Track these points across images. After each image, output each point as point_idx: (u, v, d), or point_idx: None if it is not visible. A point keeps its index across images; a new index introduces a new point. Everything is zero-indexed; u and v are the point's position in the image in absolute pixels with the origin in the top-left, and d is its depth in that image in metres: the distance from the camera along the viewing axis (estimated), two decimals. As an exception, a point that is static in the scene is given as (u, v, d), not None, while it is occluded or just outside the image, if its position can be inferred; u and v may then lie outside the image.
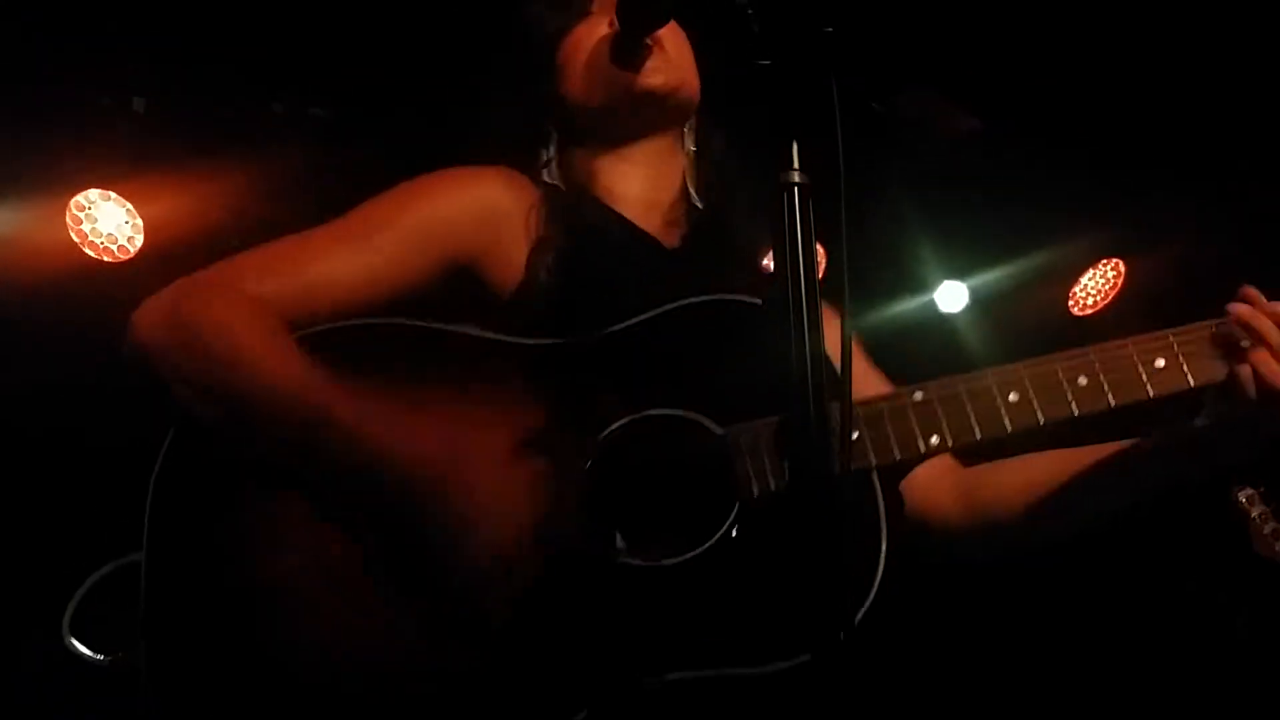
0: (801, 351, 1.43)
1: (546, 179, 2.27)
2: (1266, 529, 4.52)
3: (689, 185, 2.32)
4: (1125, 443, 2.10)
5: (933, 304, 5.75)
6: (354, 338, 2.00)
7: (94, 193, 4.51)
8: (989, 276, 5.67)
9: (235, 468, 1.89)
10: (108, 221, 4.54)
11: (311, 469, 1.86)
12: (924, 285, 5.73)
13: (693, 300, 2.00)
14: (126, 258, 4.57)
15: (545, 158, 2.29)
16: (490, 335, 2.04)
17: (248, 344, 1.90)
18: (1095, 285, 5.84)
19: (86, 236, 4.51)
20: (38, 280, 4.40)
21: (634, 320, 2.00)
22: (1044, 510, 2.17)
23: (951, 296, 5.76)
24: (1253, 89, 4.68)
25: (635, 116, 2.26)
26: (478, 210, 2.16)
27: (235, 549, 1.87)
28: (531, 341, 2.01)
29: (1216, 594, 5.08)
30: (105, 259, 4.55)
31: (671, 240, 2.27)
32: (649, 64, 2.18)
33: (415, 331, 2.03)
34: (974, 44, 4.51)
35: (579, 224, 2.17)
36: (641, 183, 2.29)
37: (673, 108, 2.27)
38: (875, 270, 5.38)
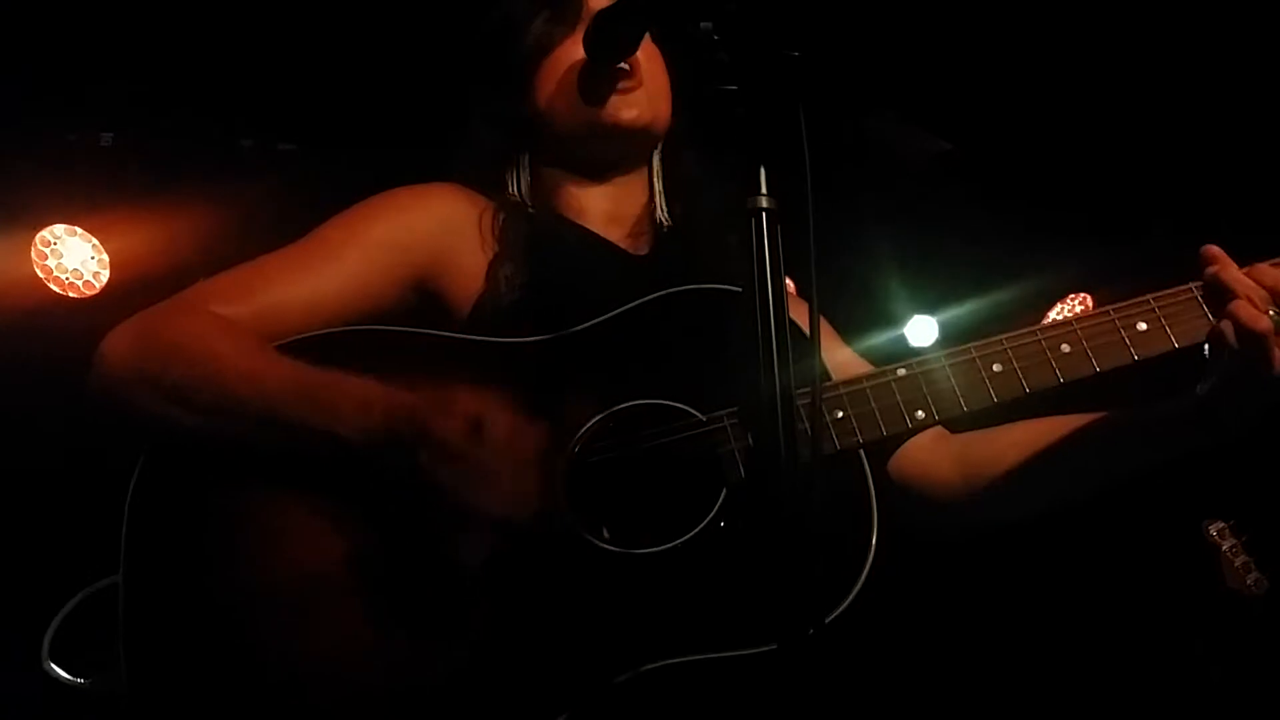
0: (771, 378, 1.41)
1: (512, 195, 2.26)
2: (1238, 562, 4.53)
3: (656, 201, 2.31)
4: (1129, 408, 2.07)
5: (903, 339, 5.80)
6: (321, 346, 1.98)
7: (60, 228, 4.50)
8: (958, 311, 5.71)
9: (210, 484, 1.87)
10: (73, 257, 4.53)
11: (305, 455, 1.83)
12: (894, 320, 5.77)
13: (667, 291, 2.00)
14: (92, 293, 4.55)
15: (515, 174, 2.28)
16: (462, 336, 2.03)
17: (220, 347, 1.89)
18: (1063, 320, 5.87)
19: (52, 272, 4.50)
20: (2, 315, 4.36)
21: (612, 314, 1.99)
22: (1045, 474, 2.13)
23: (921, 331, 5.80)
24: (1222, 123, 4.73)
25: (604, 147, 2.25)
26: (435, 224, 2.15)
27: (212, 565, 1.84)
28: (506, 340, 1.99)
29: (1193, 640, 5.08)
30: (70, 294, 4.53)
31: (638, 251, 2.27)
32: (618, 96, 2.18)
33: (383, 337, 2.02)
34: (942, 78, 4.54)
35: (538, 234, 2.16)
36: (607, 201, 2.28)
37: (641, 140, 2.26)
38: (845, 305, 5.40)
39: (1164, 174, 4.95)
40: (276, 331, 1.99)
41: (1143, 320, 1.94)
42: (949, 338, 5.77)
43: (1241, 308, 1.86)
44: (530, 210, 2.23)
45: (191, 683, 1.80)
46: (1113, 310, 1.95)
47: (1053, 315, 5.84)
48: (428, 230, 2.14)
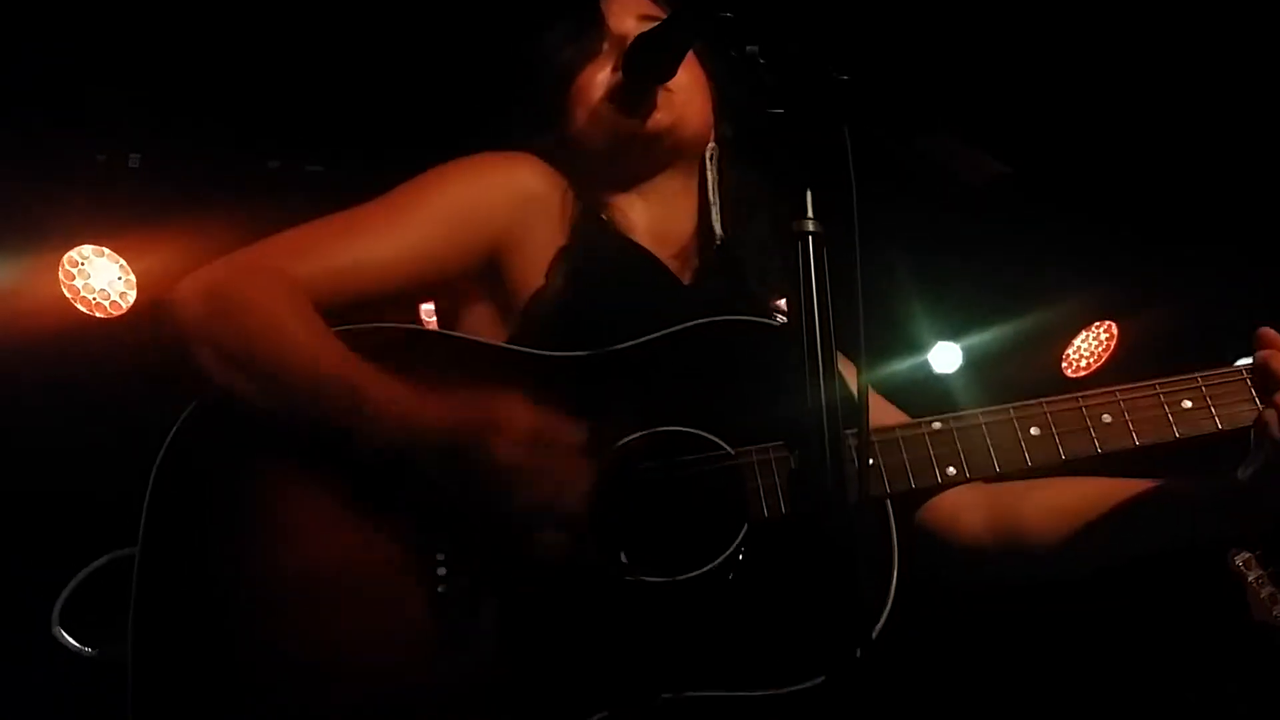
0: (818, 400, 1.41)
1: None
2: (1264, 593, 4.48)
3: (711, 217, 2.29)
4: (1166, 482, 2.06)
5: (926, 365, 5.78)
6: (370, 340, 1.97)
7: (87, 248, 4.50)
8: (982, 338, 5.69)
9: (236, 469, 1.87)
10: (101, 277, 4.53)
11: (343, 445, 1.82)
12: (918, 346, 5.75)
13: (712, 319, 2.00)
14: (119, 313, 4.54)
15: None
16: (503, 345, 2.03)
17: (286, 320, 1.89)
18: (1088, 347, 5.86)
19: (79, 292, 4.49)
20: (30, 336, 4.37)
21: (651, 336, 1.98)
22: (1075, 540, 2.11)
23: (945, 358, 5.78)
24: (1244, 151, 4.71)
25: (640, 157, 2.26)
26: (514, 195, 2.14)
27: (233, 548, 1.84)
28: (547, 353, 1.99)
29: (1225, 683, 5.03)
30: (98, 314, 4.53)
31: (685, 275, 2.27)
32: (650, 108, 2.18)
33: (430, 337, 2.05)
34: (968, 103, 4.54)
35: (602, 238, 2.17)
36: (654, 220, 2.29)
37: (674, 145, 2.26)
38: (869, 331, 5.37)
39: (1192, 200, 4.93)
40: (340, 293, 2.00)
41: (1188, 398, 1.92)
42: (972, 364, 5.75)
43: None
44: (593, 212, 2.23)
45: (194, 662, 1.79)
46: (1158, 384, 1.94)
47: (1077, 343, 5.82)
48: (506, 200, 2.14)
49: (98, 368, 4.18)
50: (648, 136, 2.20)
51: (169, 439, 1.89)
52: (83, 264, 4.50)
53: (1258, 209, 4.97)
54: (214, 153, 4.53)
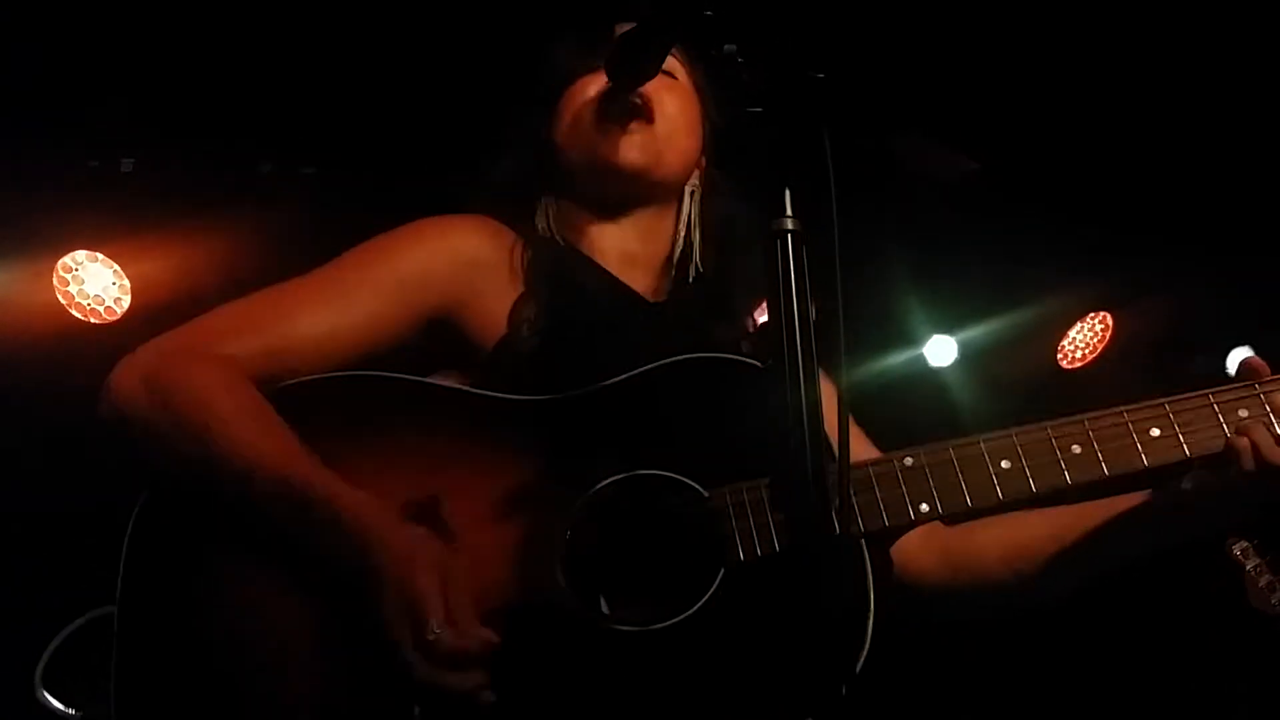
0: (797, 402, 1.40)
1: (540, 227, 2.25)
2: (1261, 582, 4.48)
3: (687, 245, 2.29)
4: (1111, 503, 2.07)
5: (922, 358, 5.77)
6: (335, 390, 1.98)
7: (81, 254, 4.50)
8: (978, 331, 5.69)
9: (207, 526, 1.87)
10: (94, 283, 4.53)
11: (277, 536, 1.83)
12: (913, 340, 5.74)
13: (686, 357, 1.98)
14: (113, 319, 4.55)
15: (543, 206, 2.27)
16: (473, 390, 2.01)
17: (219, 413, 1.88)
18: (1083, 339, 5.86)
19: (73, 298, 4.50)
20: (24, 341, 4.37)
21: (623, 377, 1.96)
22: (1029, 573, 2.14)
23: (940, 351, 5.77)
24: (1239, 143, 4.71)
25: (606, 185, 2.24)
26: (455, 260, 2.13)
27: (205, 608, 1.84)
28: (516, 397, 1.98)
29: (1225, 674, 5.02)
30: (92, 320, 4.53)
31: (655, 296, 2.26)
32: (623, 136, 2.17)
33: (397, 385, 2.00)
34: (961, 96, 4.54)
35: (561, 277, 2.14)
36: (624, 240, 2.28)
37: (652, 184, 2.24)
38: (864, 325, 5.38)
39: (1186, 191, 4.93)
40: (288, 367, 1.99)
41: (1156, 426, 1.91)
42: (968, 357, 5.76)
43: (1264, 437, 1.87)
44: (558, 243, 2.22)
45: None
46: (1126, 412, 1.92)
47: (1073, 334, 5.82)
48: (450, 266, 2.12)
49: (92, 374, 4.16)
50: (623, 172, 2.18)
51: (141, 501, 1.90)
52: (76, 270, 4.50)
53: (1252, 200, 4.97)
54: (207, 157, 4.53)
